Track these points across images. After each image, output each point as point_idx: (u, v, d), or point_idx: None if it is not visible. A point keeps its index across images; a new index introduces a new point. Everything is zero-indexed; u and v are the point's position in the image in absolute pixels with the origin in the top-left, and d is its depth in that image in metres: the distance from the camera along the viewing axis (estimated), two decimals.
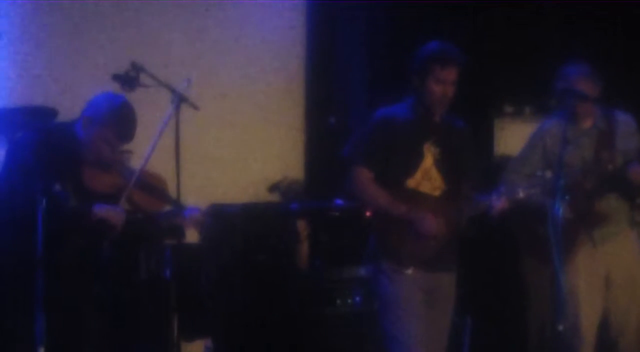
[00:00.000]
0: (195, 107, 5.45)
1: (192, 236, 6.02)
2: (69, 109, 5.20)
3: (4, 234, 4.76)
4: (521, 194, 5.15)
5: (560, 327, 5.05)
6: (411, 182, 5.08)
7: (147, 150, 4.95)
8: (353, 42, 7.43)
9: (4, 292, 4.69)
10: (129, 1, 6.95)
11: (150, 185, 5.00)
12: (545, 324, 5.91)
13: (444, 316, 5.19)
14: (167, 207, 5.16)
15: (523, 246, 5.77)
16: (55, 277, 4.52)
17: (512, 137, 7.42)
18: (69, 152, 4.79)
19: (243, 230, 6.40)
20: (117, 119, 4.82)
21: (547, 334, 5.22)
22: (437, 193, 5.11)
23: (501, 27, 7.45)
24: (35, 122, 5.30)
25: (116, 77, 5.19)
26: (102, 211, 4.76)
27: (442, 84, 5.05)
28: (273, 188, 6.59)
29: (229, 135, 7.16)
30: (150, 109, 5.33)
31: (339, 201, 6.47)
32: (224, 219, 6.36)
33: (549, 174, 5.24)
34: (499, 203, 5.08)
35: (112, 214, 4.78)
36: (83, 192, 4.77)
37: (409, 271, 5.03)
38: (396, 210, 5.02)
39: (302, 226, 6.62)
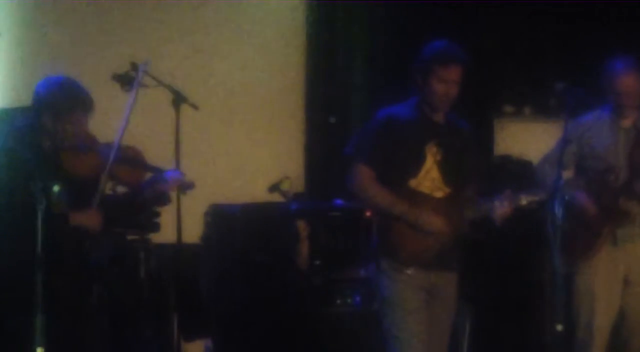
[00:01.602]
0: (195, 107, 5.45)
1: (191, 236, 6.03)
2: None
3: (4, 234, 4.76)
4: (523, 201, 5.13)
5: (559, 327, 5.04)
6: (413, 183, 5.06)
7: (120, 124, 4.94)
8: (353, 41, 7.43)
9: (4, 292, 4.68)
10: (129, 1, 6.96)
11: (128, 157, 4.98)
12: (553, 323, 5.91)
13: (445, 316, 5.16)
14: (148, 176, 5.12)
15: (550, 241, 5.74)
16: (55, 278, 4.51)
17: (512, 137, 7.43)
18: (45, 145, 4.79)
19: (243, 230, 6.40)
20: (71, 98, 4.79)
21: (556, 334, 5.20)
22: (438, 195, 5.08)
23: (501, 27, 7.45)
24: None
25: (116, 77, 5.19)
26: (77, 218, 4.74)
27: (445, 83, 5.02)
28: (273, 188, 6.60)
29: (229, 135, 7.16)
30: (149, 109, 5.34)
31: (339, 201, 6.46)
32: (224, 219, 6.36)
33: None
34: (502, 209, 5.06)
35: (86, 219, 4.76)
36: (66, 179, 4.74)
37: (410, 271, 5.02)
38: (398, 208, 5.01)
39: (302, 226, 6.61)
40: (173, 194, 5.16)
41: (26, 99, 6.22)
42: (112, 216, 4.96)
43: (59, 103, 4.76)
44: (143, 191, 4.99)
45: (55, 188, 4.24)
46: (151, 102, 5.30)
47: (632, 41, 6.85)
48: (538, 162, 5.81)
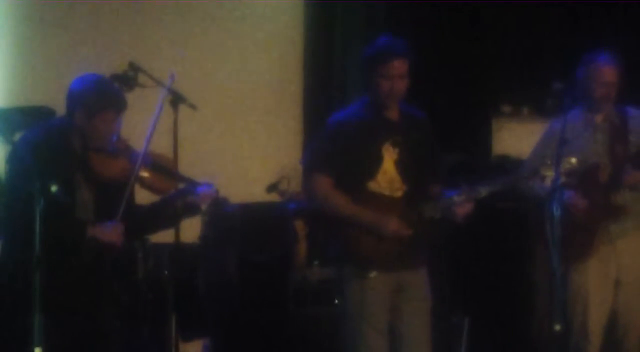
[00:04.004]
0: (193, 107, 5.46)
1: (189, 236, 6.03)
2: None
3: (7, 234, 4.78)
4: (483, 193, 5.09)
5: (557, 327, 5.05)
6: (371, 185, 5.04)
7: (147, 133, 4.93)
8: (351, 41, 7.44)
9: (6, 293, 4.69)
10: (128, 1, 6.97)
11: (160, 165, 4.95)
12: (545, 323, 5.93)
13: (420, 312, 5.12)
14: (180, 185, 5.09)
15: (539, 244, 5.74)
16: (58, 279, 4.51)
17: (510, 137, 7.44)
18: (73, 146, 4.78)
19: (241, 230, 6.41)
20: (104, 96, 4.77)
21: (546, 334, 5.22)
22: (398, 194, 5.06)
23: (500, 27, 7.46)
24: (35, 122, 5.30)
25: (114, 77, 5.19)
26: (97, 232, 4.70)
27: (389, 80, 5.00)
28: (271, 188, 6.60)
29: (227, 135, 7.17)
30: (148, 109, 5.33)
31: None
32: (222, 219, 6.36)
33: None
34: (462, 207, 5.02)
35: (107, 234, 4.71)
36: (94, 180, 4.75)
37: (372, 275, 5.00)
38: (360, 217, 4.99)
39: (300, 225, 6.62)
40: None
41: (26, 99, 6.26)
42: (139, 225, 4.95)
43: (91, 100, 4.73)
44: (174, 201, 4.96)
45: (53, 188, 4.23)
46: (149, 102, 5.31)
47: (630, 41, 6.87)
48: (520, 169, 5.78)
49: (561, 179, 5.19)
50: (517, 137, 7.31)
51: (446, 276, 5.61)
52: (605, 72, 5.59)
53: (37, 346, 4.12)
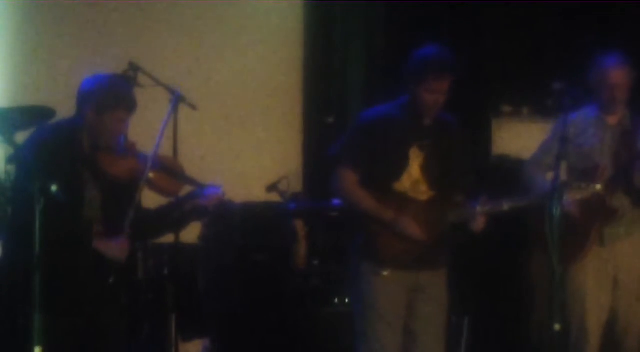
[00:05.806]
0: (193, 107, 5.48)
1: (189, 236, 6.04)
2: (69, 109, 5.20)
3: (8, 233, 4.78)
4: (505, 207, 5.14)
5: (557, 327, 5.05)
6: (397, 186, 5.05)
7: (157, 135, 4.93)
8: (351, 41, 7.45)
9: (6, 293, 4.70)
10: (128, 1, 6.98)
11: (168, 167, 4.93)
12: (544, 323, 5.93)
13: (437, 313, 5.14)
14: (187, 188, 5.08)
15: (536, 244, 5.74)
16: (59, 280, 4.52)
17: (510, 137, 7.44)
18: (82, 144, 4.77)
19: (241, 230, 6.41)
20: (116, 95, 4.77)
21: (545, 334, 5.22)
22: (422, 197, 5.07)
23: (500, 27, 7.47)
24: (35, 122, 5.30)
25: None
26: (102, 246, 4.69)
27: (434, 94, 4.99)
28: (271, 188, 6.61)
29: (227, 135, 7.18)
30: (148, 109, 5.34)
31: (337, 201, 6.47)
32: (222, 219, 6.37)
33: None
34: (477, 221, 5.03)
35: (112, 250, 4.69)
36: (102, 178, 4.74)
37: (386, 273, 5.01)
38: (380, 215, 5.01)
39: (300, 225, 6.62)
40: None
41: (26, 99, 6.27)
42: (146, 230, 4.93)
43: (103, 98, 4.72)
44: (182, 205, 4.95)
45: (53, 188, 4.23)
46: (149, 102, 5.31)
47: (631, 41, 6.87)
48: (524, 164, 5.80)
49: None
50: (517, 137, 7.32)
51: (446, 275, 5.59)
52: (612, 74, 5.57)
53: (37, 346, 4.12)
